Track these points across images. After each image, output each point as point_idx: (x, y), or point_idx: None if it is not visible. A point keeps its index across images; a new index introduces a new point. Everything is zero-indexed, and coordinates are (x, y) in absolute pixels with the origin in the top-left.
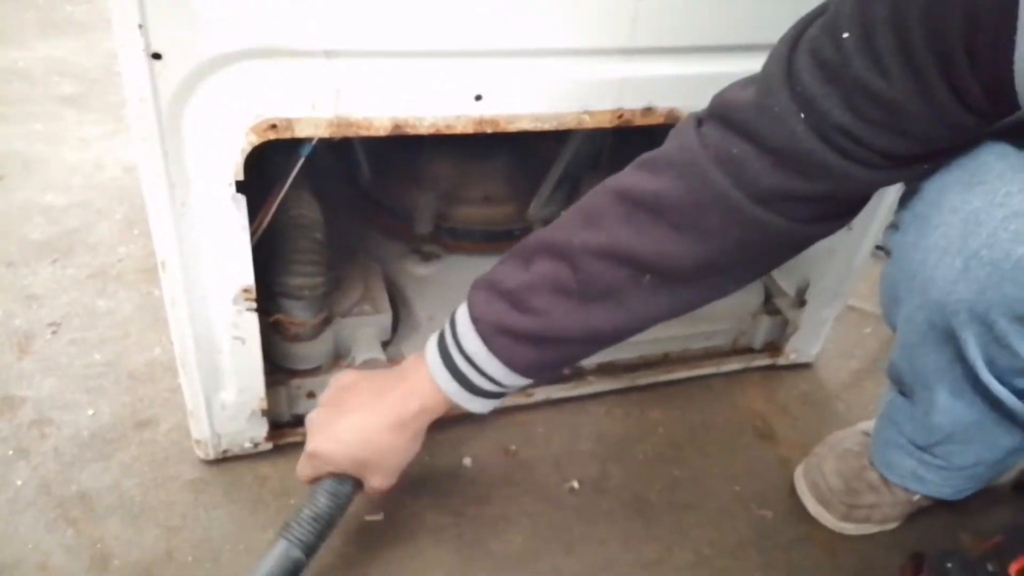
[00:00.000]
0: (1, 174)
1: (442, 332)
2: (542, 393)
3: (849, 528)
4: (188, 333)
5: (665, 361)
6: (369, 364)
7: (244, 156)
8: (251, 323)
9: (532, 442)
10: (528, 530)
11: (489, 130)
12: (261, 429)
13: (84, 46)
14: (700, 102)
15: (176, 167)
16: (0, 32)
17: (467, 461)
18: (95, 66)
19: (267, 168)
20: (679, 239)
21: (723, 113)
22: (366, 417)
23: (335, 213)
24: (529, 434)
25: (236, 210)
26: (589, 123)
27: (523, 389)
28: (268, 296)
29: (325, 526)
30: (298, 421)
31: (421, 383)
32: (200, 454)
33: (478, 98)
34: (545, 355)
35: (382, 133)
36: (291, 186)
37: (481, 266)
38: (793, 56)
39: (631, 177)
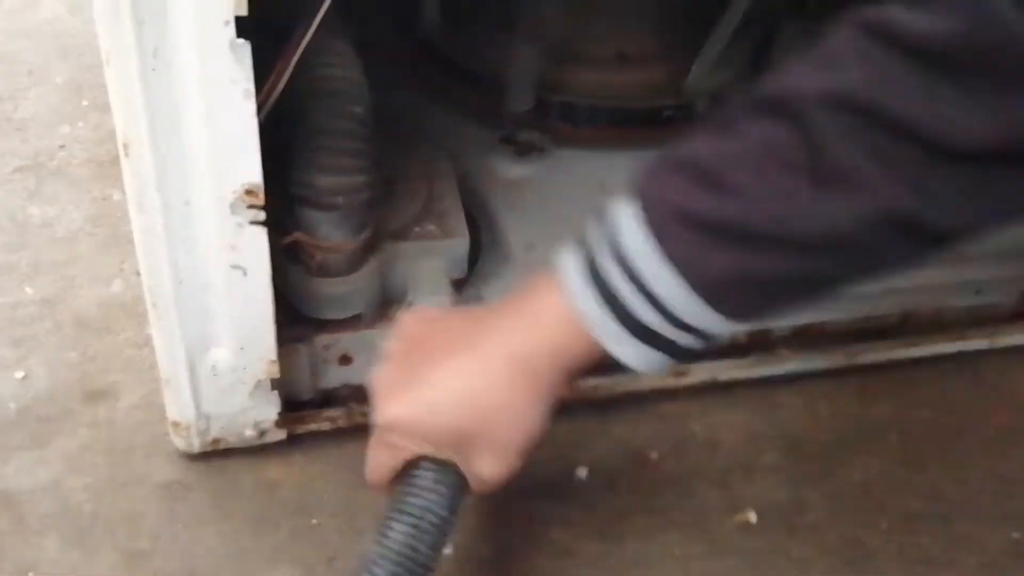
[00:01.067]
0: None
1: (587, 234)
2: (703, 371)
3: None
4: (162, 257)
5: (905, 327)
6: None
7: None
8: (257, 243)
9: (686, 448)
10: None
11: None
12: (270, 409)
13: None
14: None
15: None
16: None
17: (582, 473)
18: None
19: (283, 9)
20: (960, 99)
21: None
22: (466, 364)
23: (384, 78)
24: (681, 435)
25: (236, 64)
26: None
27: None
28: (283, 204)
29: (429, 550)
30: (325, 400)
31: (550, 310)
32: (180, 443)
33: None
34: (751, 265)
35: None
36: (320, 34)
37: (611, 165)
38: None
39: (892, 6)
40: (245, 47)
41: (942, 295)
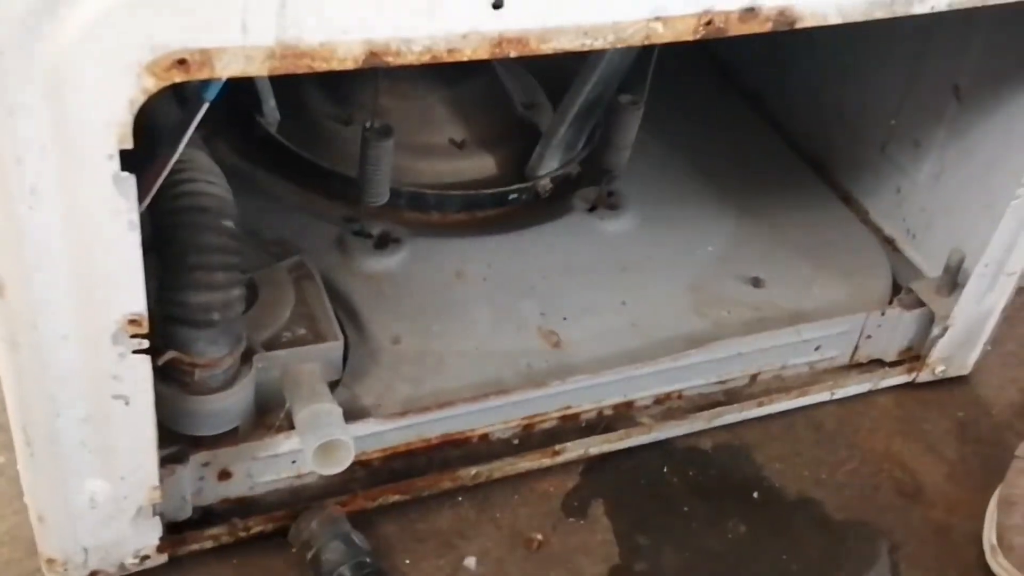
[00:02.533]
0: None
1: None
2: (575, 448)
3: None
4: (39, 394)
5: (753, 387)
6: (315, 420)
7: (135, 111)
8: (140, 371)
9: (567, 525)
10: None
11: (513, 53)
12: (152, 534)
13: None
14: None
15: (24, 133)
16: None
17: (470, 562)
18: None
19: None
20: None
21: None
22: None
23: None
24: (562, 512)
25: (120, 197)
26: (663, 35)
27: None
28: (153, 324)
29: None
30: (204, 516)
31: None
32: None
33: (497, 5)
34: None
35: (349, 65)
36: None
37: (465, 252)
38: None
39: None
40: (129, 179)
41: (784, 354)
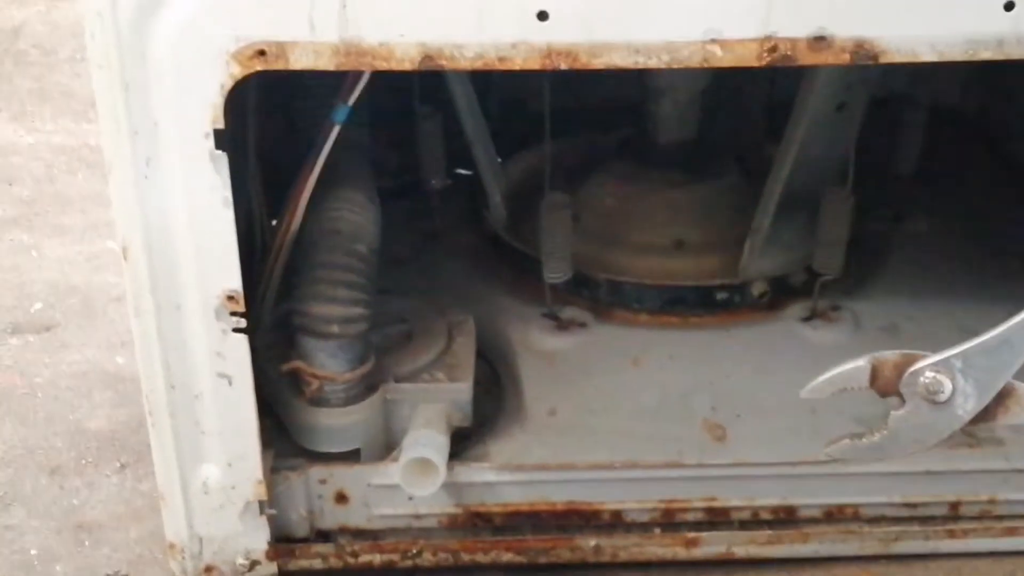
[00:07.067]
0: None
1: None
2: (715, 542)
3: None
4: (157, 362)
5: (953, 518)
6: (416, 440)
7: (225, 95)
8: (240, 351)
9: None
10: None
11: (563, 66)
12: (260, 536)
13: None
14: (906, 27)
15: (140, 107)
16: None
17: None
18: None
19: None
20: None
21: None
22: None
23: (449, 250)
24: None
25: (215, 174)
26: (722, 58)
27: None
28: (288, 334)
29: None
30: (323, 540)
31: None
32: (175, 568)
33: (542, 16)
34: None
35: (407, 66)
36: (341, 183)
37: (648, 341)
38: None
39: None
40: (223, 158)
41: (997, 484)
